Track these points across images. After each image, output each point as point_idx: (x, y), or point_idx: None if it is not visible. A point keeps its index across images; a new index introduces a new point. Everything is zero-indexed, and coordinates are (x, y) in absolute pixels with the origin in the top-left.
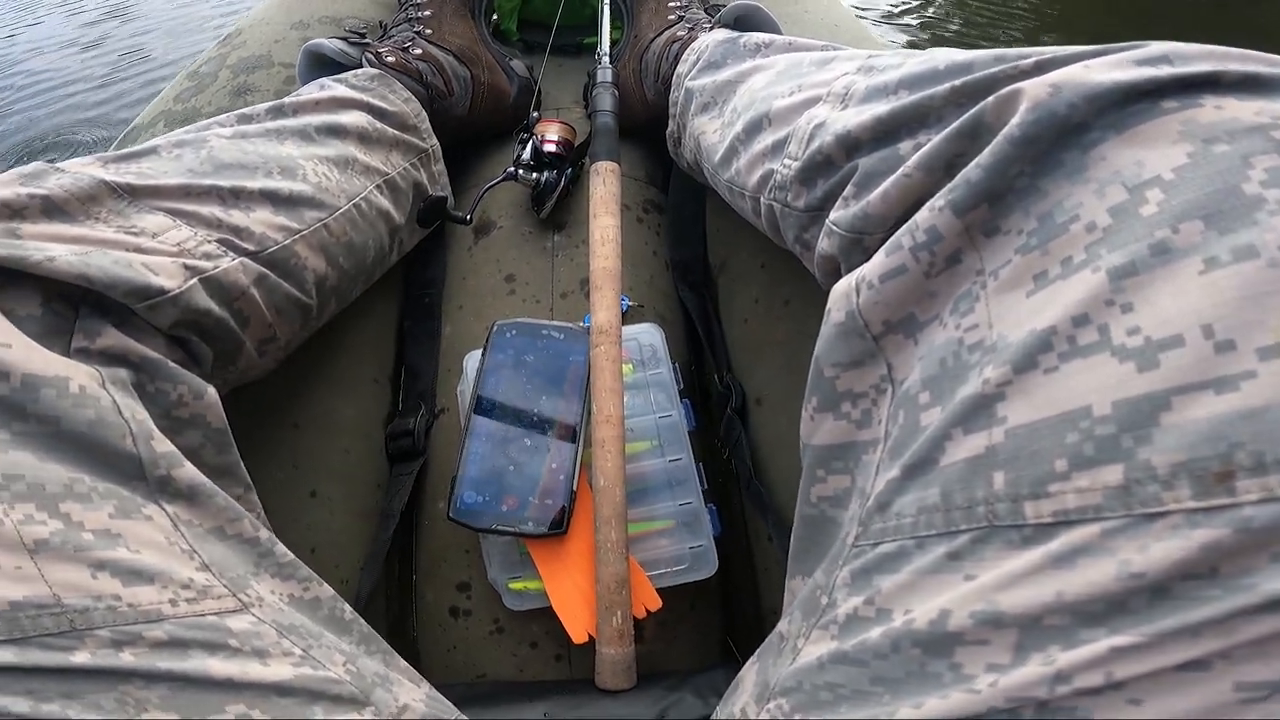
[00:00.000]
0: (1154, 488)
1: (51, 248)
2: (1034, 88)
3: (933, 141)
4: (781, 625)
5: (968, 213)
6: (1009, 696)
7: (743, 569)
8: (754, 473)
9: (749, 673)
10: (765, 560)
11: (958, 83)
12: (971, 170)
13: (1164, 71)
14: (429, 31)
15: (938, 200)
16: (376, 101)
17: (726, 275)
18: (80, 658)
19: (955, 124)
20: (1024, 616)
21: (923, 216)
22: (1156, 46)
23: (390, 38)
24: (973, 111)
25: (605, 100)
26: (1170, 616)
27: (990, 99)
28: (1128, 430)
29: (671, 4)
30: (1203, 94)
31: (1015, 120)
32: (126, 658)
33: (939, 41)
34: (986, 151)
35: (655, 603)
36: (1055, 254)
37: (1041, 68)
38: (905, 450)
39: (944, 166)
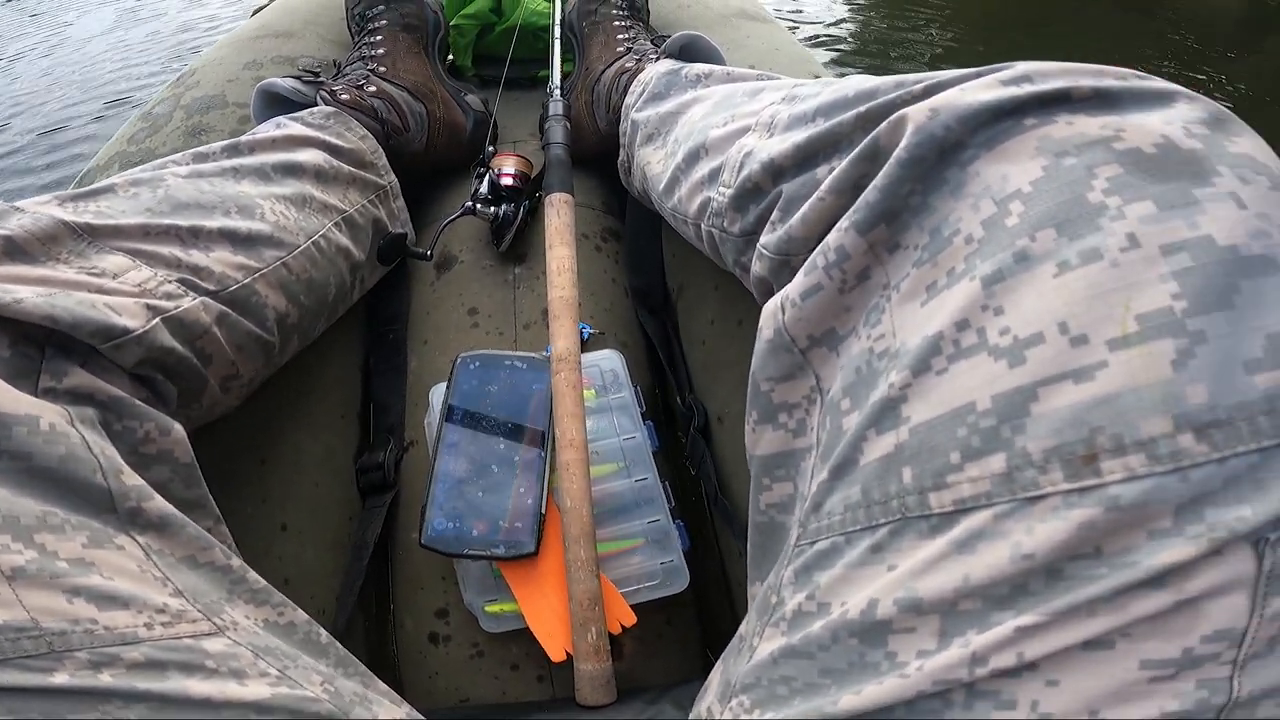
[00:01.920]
0: (1031, 472)
1: (17, 289)
2: (916, 112)
3: (841, 166)
4: (742, 627)
5: (870, 231)
6: (935, 679)
7: (716, 582)
8: (720, 488)
9: (715, 675)
10: (738, 573)
11: (863, 109)
12: (870, 192)
13: (1025, 90)
14: (383, 69)
15: (844, 221)
16: (332, 139)
17: (684, 299)
18: (60, 678)
19: (858, 148)
20: (941, 602)
21: (833, 237)
22: (1021, 66)
23: (344, 75)
24: (870, 136)
25: (557, 132)
26: (1065, 595)
27: (884, 124)
28: (1005, 421)
29: (620, 36)
30: (1058, 110)
31: (902, 144)
32: (105, 678)
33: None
34: (880, 174)
35: (630, 618)
36: (943, 265)
37: (929, 91)
38: (832, 453)
39: (851, 189)
